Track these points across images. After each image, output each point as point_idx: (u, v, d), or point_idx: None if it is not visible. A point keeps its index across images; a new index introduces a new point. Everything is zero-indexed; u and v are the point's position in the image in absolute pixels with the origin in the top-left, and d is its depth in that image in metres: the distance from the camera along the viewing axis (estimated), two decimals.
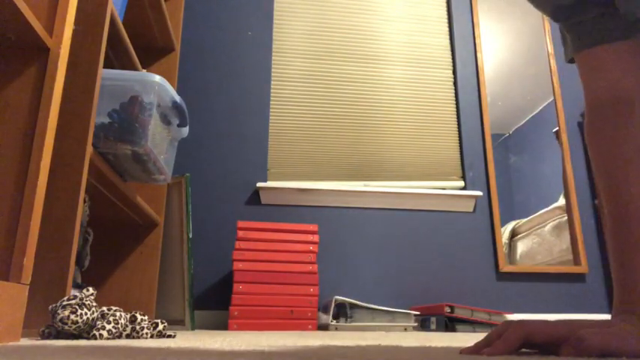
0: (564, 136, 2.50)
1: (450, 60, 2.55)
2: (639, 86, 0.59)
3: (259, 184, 2.12)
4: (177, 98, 1.37)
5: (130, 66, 1.49)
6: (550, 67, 2.65)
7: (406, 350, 0.55)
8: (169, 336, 0.92)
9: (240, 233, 1.78)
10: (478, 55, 2.55)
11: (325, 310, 1.77)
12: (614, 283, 0.59)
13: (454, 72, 2.52)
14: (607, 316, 2.19)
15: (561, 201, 2.43)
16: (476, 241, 2.25)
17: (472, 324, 1.77)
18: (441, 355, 0.48)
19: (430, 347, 0.61)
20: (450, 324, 1.75)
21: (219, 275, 2.02)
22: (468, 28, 2.60)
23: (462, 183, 2.37)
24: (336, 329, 1.67)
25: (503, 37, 2.83)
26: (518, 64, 2.86)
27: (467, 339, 0.92)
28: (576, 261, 2.29)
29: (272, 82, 2.35)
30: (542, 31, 2.71)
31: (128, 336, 0.86)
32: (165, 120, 1.39)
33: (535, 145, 2.57)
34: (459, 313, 1.76)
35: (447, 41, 2.58)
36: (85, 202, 1.29)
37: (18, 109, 0.82)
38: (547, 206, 2.49)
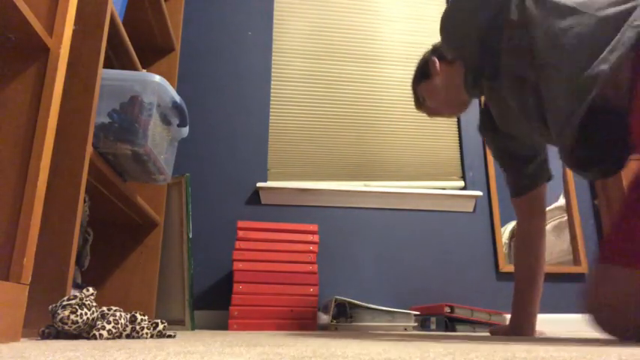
0: None
1: None
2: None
3: (259, 184, 2.12)
4: (177, 98, 1.37)
5: (130, 66, 1.49)
6: None
7: (406, 349, 0.55)
8: (169, 336, 0.92)
9: (240, 233, 1.78)
10: None
11: (325, 310, 1.77)
12: None
13: None
14: None
15: (561, 201, 2.43)
16: (476, 241, 2.25)
17: (472, 324, 1.77)
18: (441, 355, 0.48)
19: (430, 347, 0.61)
20: (450, 324, 1.75)
21: (219, 275, 2.02)
22: None
23: (462, 183, 2.37)
24: (336, 329, 1.67)
25: None
26: None
27: (467, 339, 0.92)
28: (576, 261, 2.29)
29: (272, 82, 2.35)
30: None
31: (128, 336, 0.86)
32: (166, 120, 1.39)
33: None
34: (459, 313, 1.76)
35: None
36: (85, 202, 1.29)
37: (18, 109, 0.82)
38: (547, 206, 2.49)
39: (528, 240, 1.26)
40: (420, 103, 1.38)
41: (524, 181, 1.26)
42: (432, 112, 1.37)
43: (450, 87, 1.27)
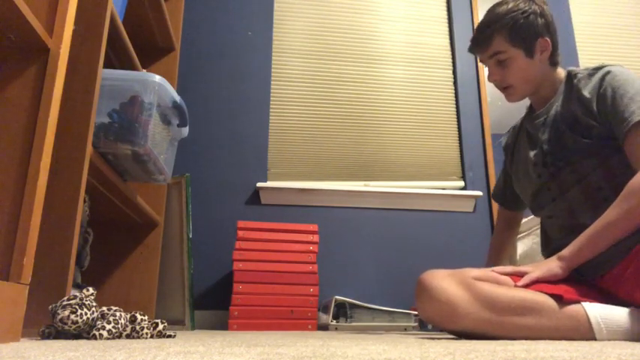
0: None
1: (450, 60, 2.55)
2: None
3: (259, 184, 2.12)
4: (177, 98, 1.37)
5: (130, 66, 1.49)
6: None
7: (406, 349, 0.55)
8: (169, 336, 0.92)
9: (240, 233, 1.78)
10: None
11: (325, 310, 1.77)
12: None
13: (454, 72, 2.52)
14: None
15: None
16: (476, 241, 2.25)
17: None
18: (441, 355, 0.48)
19: (430, 346, 0.61)
20: None
21: (219, 275, 2.02)
22: (467, 28, 2.60)
23: (462, 183, 2.37)
24: (336, 329, 1.67)
25: None
26: None
27: (466, 339, 0.92)
28: None
29: (272, 82, 2.35)
30: None
31: (128, 336, 0.86)
32: (166, 120, 1.39)
33: None
34: None
35: (447, 41, 2.58)
36: (85, 202, 1.29)
37: (18, 109, 0.82)
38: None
39: (498, 245, 1.48)
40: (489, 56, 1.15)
41: (510, 198, 1.42)
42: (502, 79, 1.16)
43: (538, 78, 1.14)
